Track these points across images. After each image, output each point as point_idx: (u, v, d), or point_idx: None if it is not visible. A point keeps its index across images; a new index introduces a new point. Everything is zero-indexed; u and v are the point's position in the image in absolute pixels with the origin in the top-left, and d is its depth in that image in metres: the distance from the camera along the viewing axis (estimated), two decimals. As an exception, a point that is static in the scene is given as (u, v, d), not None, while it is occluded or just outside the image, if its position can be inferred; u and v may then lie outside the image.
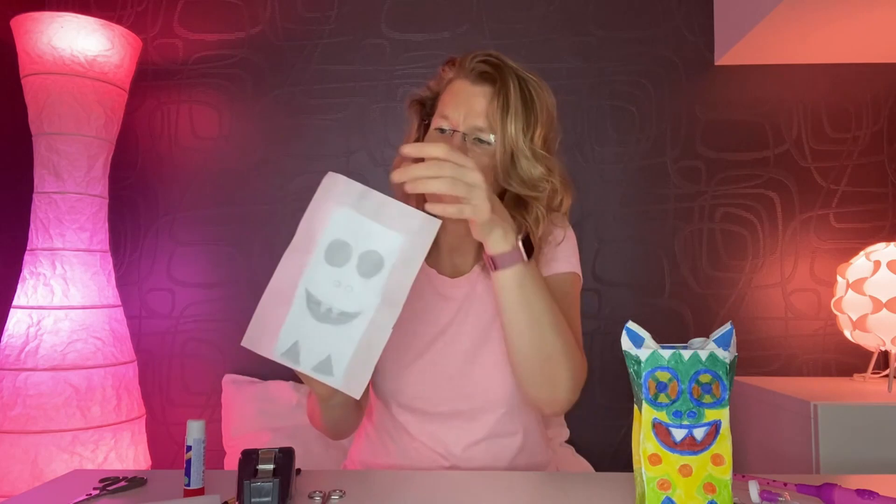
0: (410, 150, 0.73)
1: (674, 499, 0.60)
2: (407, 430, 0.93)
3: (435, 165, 0.70)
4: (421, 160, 0.71)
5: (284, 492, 0.65)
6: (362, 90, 1.82)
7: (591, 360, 0.91)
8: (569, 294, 0.93)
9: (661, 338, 0.64)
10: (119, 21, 1.82)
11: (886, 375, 1.57)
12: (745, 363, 1.73)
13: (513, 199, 0.91)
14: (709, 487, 0.60)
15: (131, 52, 1.58)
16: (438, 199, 0.72)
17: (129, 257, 1.81)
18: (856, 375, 1.65)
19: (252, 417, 1.60)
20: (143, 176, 1.83)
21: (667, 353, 0.62)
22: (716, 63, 1.79)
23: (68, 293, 1.45)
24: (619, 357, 0.64)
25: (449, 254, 0.98)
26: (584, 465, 1.52)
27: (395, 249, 0.70)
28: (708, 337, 0.63)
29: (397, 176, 0.71)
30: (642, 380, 0.62)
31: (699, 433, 0.61)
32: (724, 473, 0.60)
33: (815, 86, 1.78)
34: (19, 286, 1.47)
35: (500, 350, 0.91)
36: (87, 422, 1.40)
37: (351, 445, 1.05)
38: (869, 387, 1.51)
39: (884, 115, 1.77)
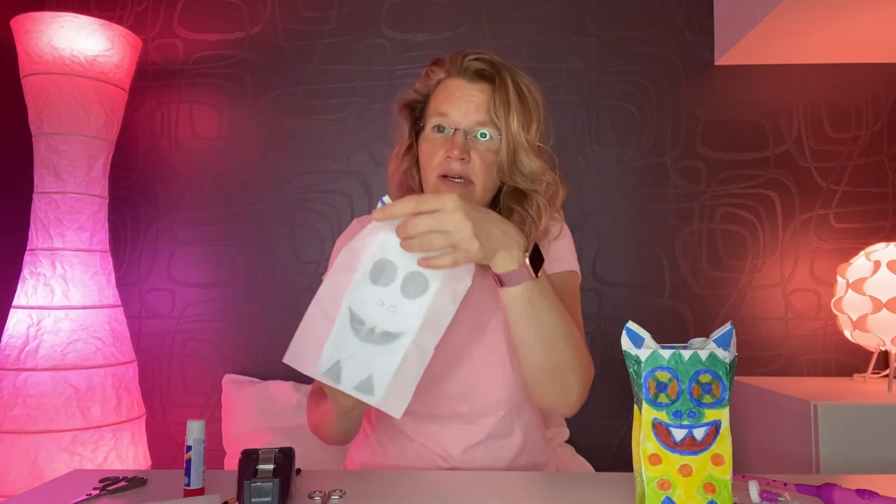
0: (379, 216, 0.67)
1: (674, 499, 0.60)
2: (405, 432, 0.93)
3: (410, 224, 0.65)
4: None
5: (284, 492, 0.65)
6: (362, 90, 1.82)
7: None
8: (570, 291, 0.93)
9: (661, 338, 0.64)
10: (119, 21, 1.82)
11: (886, 375, 1.57)
12: (745, 363, 1.73)
13: (512, 193, 0.91)
14: (709, 487, 0.60)
15: (131, 52, 1.58)
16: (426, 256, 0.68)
17: (129, 257, 1.81)
18: (856, 375, 1.65)
19: (252, 417, 1.60)
20: (143, 176, 1.83)
21: (667, 353, 0.62)
22: (716, 63, 1.78)
23: (68, 293, 1.45)
24: (619, 357, 0.64)
25: None
26: (584, 465, 1.52)
27: (441, 272, 0.69)
28: (708, 337, 0.63)
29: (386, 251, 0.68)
30: (642, 380, 0.62)
31: (699, 433, 0.61)
32: (724, 473, 0.60)
33: (815, 86, 1.78)
34: (19, 286, 1.47)
35: (499, 351, 0.91)
36: (87, 422, 1.40)
37: (350, 446, 1.05)
38: (869, 387, 1.51)
39: (884, 115, 1.77)
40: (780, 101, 1.78)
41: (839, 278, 1.54)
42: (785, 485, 0.72)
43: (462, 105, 0.88)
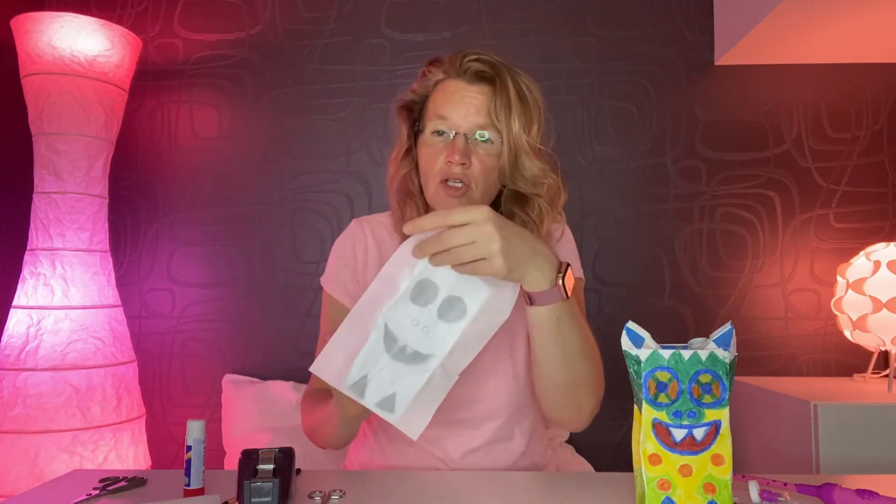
0: (409, 229, 0.68)
1: (674, 499, 0.60)
2: (404, 436, 0.92)
3: (445, 238, 0.65)
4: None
5: (284, 492, 0.65)
6: (362, 90, 1.82)
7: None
8: (576, 297, 0.92)
9: (661, 338, 0.64)
10: (119, 21, 1.82)
11: (886, 375, 1.57)
12: (745, 363, 1.73)
13: (513, 196, 0.90)
14: (709, 487, 0.60)
15: (131, 52, 1.58)
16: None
17: (129, 257, 1.81)
18: (856, 375, 1.65)
19: (252, 417, 1.60)
20: (143, 176, 1.83)
21: (667, 353, 0.62)
22: (716, 63, 1.78)
23: (68, 293, 1.45)
24: (619, 357, 0.64)
25: None
26: (584, 465, 1.52)
27: (480, 300, 0.69)
28: (708, 337, 0.63)
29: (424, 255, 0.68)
30: (642, 380, 0.62)
31: (699, 433, 0.61)
32: (724, 473, 0.60)
33: (815, 86, 1.78)
34: (19, 286, 1.47)
35: (504, 357, 0.91)
36: (87, 422, 1.40)
37: (350, 446, 1.05)
38: (869, 387, 1.51)
39: (884, 115, 1.77)
40: (780, 101, 1.78)
41: (839, 278, 1.54)
42: (785, 485, 0.72)
43: (462, 107, 0.86)
